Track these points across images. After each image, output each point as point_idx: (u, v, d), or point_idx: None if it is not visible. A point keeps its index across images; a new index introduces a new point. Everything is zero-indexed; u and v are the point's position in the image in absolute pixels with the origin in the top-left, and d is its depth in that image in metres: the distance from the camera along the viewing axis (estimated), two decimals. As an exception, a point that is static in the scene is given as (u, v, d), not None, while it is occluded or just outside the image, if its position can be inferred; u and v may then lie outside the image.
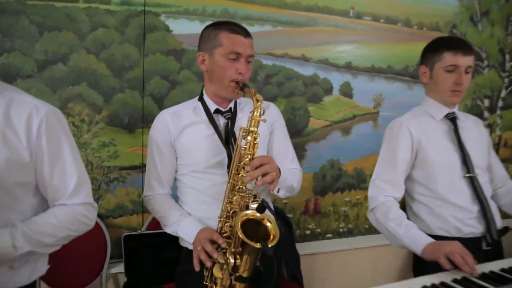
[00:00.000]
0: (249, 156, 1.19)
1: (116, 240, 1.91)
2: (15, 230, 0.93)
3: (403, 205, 1.53)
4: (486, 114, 2.79)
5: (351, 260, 2.34)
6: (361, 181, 2.44)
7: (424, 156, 1.42)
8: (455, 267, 1.07)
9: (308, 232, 2.35)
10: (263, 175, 1.15)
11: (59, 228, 1.00)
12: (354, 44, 2.40)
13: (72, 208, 1.03)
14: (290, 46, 2.24)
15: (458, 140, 1.42)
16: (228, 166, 1.29)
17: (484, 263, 1.11)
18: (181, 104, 1.47)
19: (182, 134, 1.37)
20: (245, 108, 1.43)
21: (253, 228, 1.11)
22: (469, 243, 1.16)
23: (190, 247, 1.31)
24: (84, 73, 1.87)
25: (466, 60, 1.38)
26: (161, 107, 1.95)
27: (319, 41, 2.31)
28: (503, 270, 1.02)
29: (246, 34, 1.32)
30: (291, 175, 1.38)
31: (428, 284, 0.93)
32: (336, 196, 2.40)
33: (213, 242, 1.17)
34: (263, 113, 1.22)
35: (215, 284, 1.15)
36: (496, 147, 2.83)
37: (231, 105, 1.40)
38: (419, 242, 1.21)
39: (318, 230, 2.38)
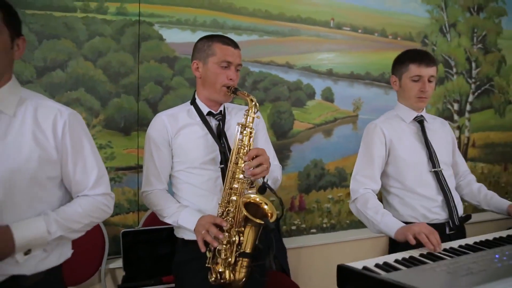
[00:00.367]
0: (246, 148, 1.35)
1: (113, 237, 2.00)
2: (48, 218, 1.06)
3: (380, 197, 1.71)
4: (455, 117, 3.01)
5: (334, 253, 2.48)
6: (342, 179, 2.61)
7: (395, 153, 1.60)
8: (422, 245, 1.24)
9: (294, 227, 2.49)
10: (258, 165, 1.30)
11: (84, 216, 1.13)
12: (335, 53, 2.57)
13: (94, 198, 1.16)
14: (275, 54, 2.40)
15: (425, 140, 1.61)
16: (221, 162, 1.44)
17: (447, 242, 1.29)
18: (175, 108, 1.60)
19: (178, 134, 1.50)
20: (232, 111, 1.59)
21: (253, 210, 1.27)
22: (434, 228, 1.32)
23: (186, 237, 1.44)
24: (82, 79, 1.97)
25: (429, 71, 1.57)
26: (155, 111, 2.06)
27: (302, 50, 2.47)
28: (460, 246, 1.21)
29: (236, 46, 1.49)
30: (276, 169, 1.56)
31: (400, 258, 1.10)
32: (320, 193, 2.55)
33: (216, 225, 1.30)
34: (257, 111, 1.39)
35: (217, 264, 1.29)
36: (465, 147, 3.05)
37: (221, 108, 1.55)
38: (392, 226, 1.38)
39: (303, 225, 2.52)
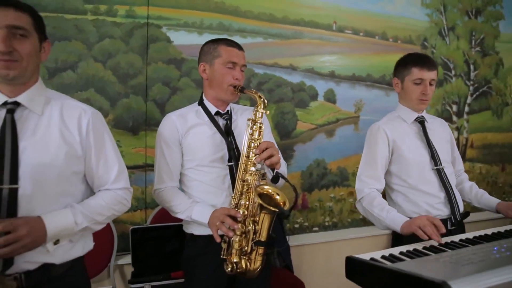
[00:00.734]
0: (257, 142, 1.42)
1: (121, 235, 2.05)
2: (75, 210, 1.12)
3: (384, 195, 1.77)
4: (454, 118, 3.07)
5: (336, 250, 2.53)
6: (344, 178, 2.66)
7: (399, 153, 1.66)
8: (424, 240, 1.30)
9: (297, 225, 2.54)
10: (269, 156, 1.36)
11: (107, 208, 1.19)
12: (337, 55, 2.63)
13: (115, 192, 1.22)
14: (279, 56, 2.45)
15: (426, 139, 1.67)
16: (229, 160, 1.50)
17: (448, 237, 1.35)
18: (183, 108, 1.65)
19: (188, 133, 1.55)
20: (238, 112, 1.65)
21: (266, 201, 1.32)
22: (437, 223, 1.38)
23: (196, 232, 1.50)
24: (92, 80, 2.02)
25: (430, 75, 1.64)
26: (162, 111, 2.12)
27: (306, 52, 2.53)
28: (460, 240, 1.27)
29: (240, 48, 1.56)
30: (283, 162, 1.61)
31: (404, 250, 1.16)
32: (322, 192, 2.60)
33: (230, 217, 1.34)
34: (265, 107, 1.45)
35: (230, 255, 1.33)
36: (464, 148, 3.11)
37: (228, 108, 1.60)
38: (397, 221, 1.45)
39: (306, 223, 2.57)
